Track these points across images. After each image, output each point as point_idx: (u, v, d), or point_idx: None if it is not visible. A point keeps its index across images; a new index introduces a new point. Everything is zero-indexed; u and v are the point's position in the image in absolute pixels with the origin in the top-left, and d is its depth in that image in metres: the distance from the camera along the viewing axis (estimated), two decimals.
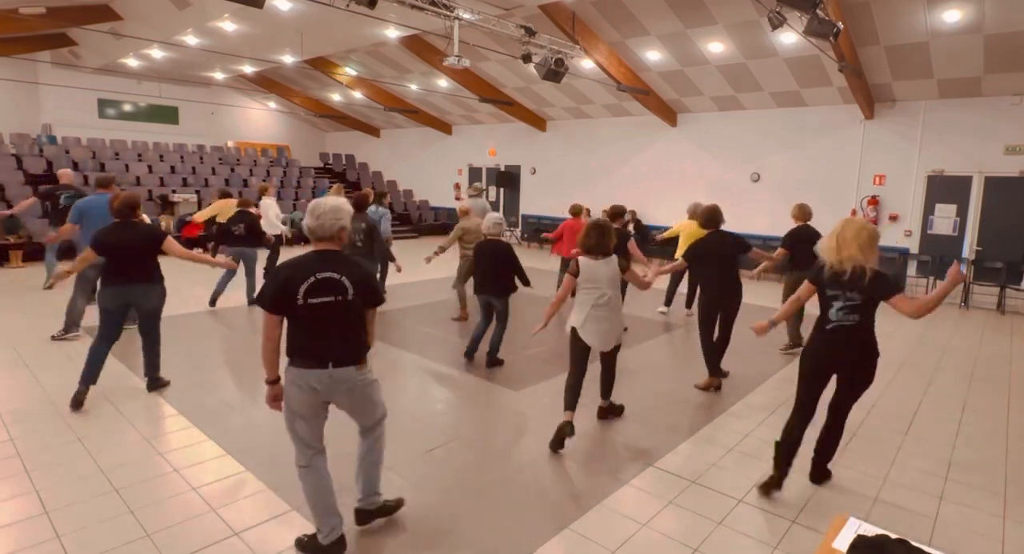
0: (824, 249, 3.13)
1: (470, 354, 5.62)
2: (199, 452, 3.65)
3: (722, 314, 5.13)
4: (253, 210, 7.83)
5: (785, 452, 3.29)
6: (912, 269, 10.03)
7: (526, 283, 5.58)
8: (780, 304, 6.92)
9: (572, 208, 8.25)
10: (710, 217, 5.09)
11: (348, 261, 2.62)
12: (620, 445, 3.98)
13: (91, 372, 4.36)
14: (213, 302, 7.51)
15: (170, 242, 4.54)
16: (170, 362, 5.01)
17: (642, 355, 6.05)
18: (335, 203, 2.63)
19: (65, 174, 8.25)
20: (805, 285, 3.32)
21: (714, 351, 5.09)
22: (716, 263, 5.05)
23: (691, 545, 2.84)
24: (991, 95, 9.02)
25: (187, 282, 8.33)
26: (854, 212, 10.29)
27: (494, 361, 5.50)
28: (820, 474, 3.48)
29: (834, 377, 3.28)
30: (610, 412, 4.36)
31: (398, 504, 2.97)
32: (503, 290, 5.40)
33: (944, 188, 9.68)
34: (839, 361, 3.19)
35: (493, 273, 5.39)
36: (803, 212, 6.26)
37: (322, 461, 2.69)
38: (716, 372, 5.11)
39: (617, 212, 6.85)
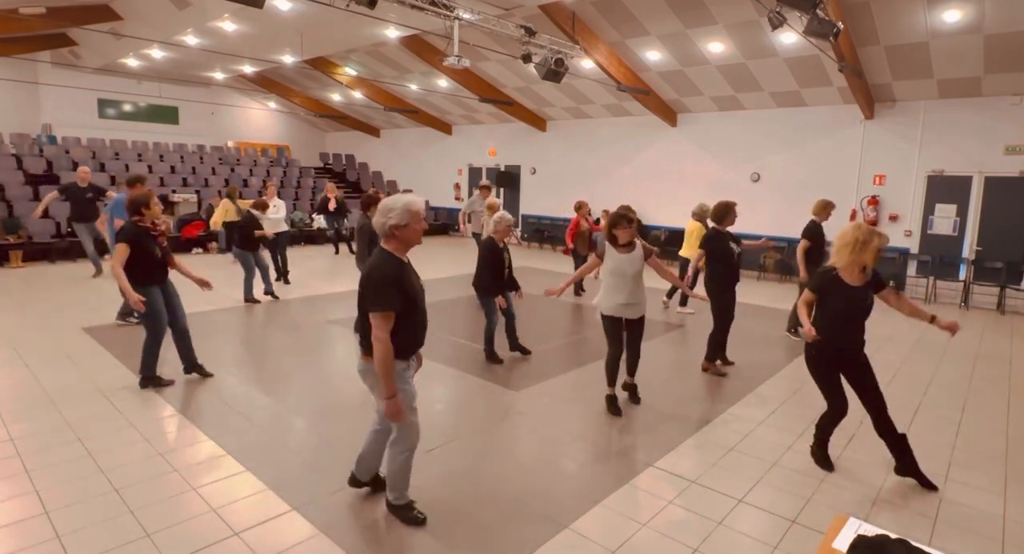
0: None
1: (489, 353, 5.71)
2: (199, 452, 3.65)
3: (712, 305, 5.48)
4: (256, 211, 7.87)
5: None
6: (912, 269, 10.02)
7: (483, 287, 5.52)
8: (789, 304, 7.03)
9: (575, 205, 8.99)
10: (713, 213, 5.48)
11: (373, 261, 2.68)
12: (620, 445, 3.98)
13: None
14: None
15: (116, 250, 4.31)
16: (170, 361, 5.02)
17: (641, 354, 6.03)
18: (385, 203, 2.67)
19: (84, 172, 9.16)
20: None
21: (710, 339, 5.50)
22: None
23: (691, 545, 2.84)
24: (991, 95, 9.02)
25: (186, 281, 8.27)
26: (854, 212, 10.31)
27: (487, 355, 5.65)
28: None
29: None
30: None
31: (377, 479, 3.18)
32: (477, 288, 5.61)
33: (944, 188, 9.67)
34: None
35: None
36: (814, 208, 6.54)
37: (376, 430, 3.04)
38: (711, 358, 5.47)
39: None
